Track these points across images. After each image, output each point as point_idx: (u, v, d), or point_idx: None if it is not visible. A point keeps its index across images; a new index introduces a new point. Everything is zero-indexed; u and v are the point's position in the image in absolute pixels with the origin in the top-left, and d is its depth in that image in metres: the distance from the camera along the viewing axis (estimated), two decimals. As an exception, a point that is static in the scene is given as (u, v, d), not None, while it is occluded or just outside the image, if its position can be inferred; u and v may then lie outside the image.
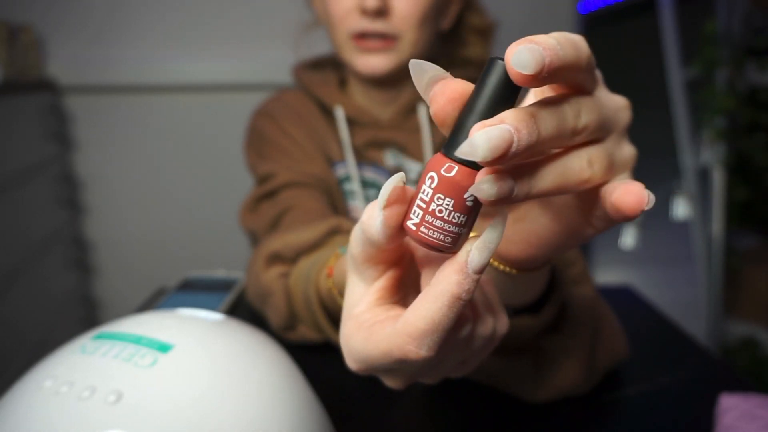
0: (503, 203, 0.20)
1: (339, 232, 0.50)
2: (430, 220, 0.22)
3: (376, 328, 0.25)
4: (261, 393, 0.29)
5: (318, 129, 0.69)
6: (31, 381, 0.28)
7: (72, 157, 1.46)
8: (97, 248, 1.53)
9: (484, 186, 0.20)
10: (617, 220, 0.24)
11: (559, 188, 0.22)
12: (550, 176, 0.22)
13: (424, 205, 0.22)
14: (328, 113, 0.70)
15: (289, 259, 0.50)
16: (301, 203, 0.61)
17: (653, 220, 1.67)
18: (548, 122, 0.20)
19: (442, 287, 0.22)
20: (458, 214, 0.21)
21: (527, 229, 0.29)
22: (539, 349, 0.43)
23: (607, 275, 1.76)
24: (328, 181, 0.66)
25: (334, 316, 0.47)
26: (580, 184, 0.23)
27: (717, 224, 1.55)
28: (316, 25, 0.75)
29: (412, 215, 0.22)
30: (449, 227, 0.21)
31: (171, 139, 1.48)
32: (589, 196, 0.25)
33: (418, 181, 0.23)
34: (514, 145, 0.19)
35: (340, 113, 0.68)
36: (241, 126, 0.76)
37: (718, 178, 1.53)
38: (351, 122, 0.69)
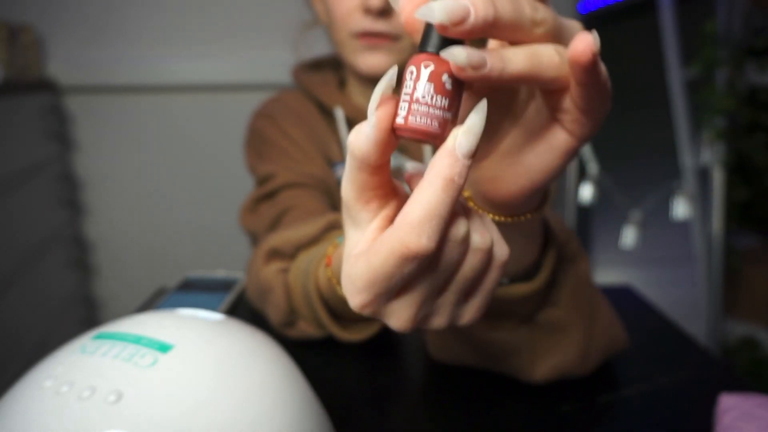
0: (479, 76, 0.22)
1: (337, 227, 0.50)
2: (416, 108, 0.23)
3: (375, 241, 0.25)
4: (261, 393, 0.29)
5: (317, 130, 0.70)
6: (32, 381, 0.28)
7: (72, 157, 1.47)
8: (97, 248, 1.53)
9: (455, 51, 0.22)
10: (578, 80, 0.24)
11: (533, 71, 0.23)
12: (521, 56, 0.23)
13: (408, 97, 0.23)
14: (327, 114, 0.70)
15: (288, 254, 0.50)
16: (301, 203, 0.61)
17: (653, 220, 1.67)
18: (505, 5, 0.22)
19: (435, 171, 0.23)
20: (440, 96, 0.23)
21: (511, 160, 0.29)
22: (535, 324, 0.43)
23: (607, 275, 1.76)
24: (328, 182, 0.66)
25: (333, 310, 0.47)
26: (551, 68, 0.23)
27: (717, 224, 1.55)
28: (316, 25, 0.75)
29: (399, 112, 0.23)
30: (434, 111, 0.23)
31: (171, 139, 1.49)
32: (552, 95, 0.26)
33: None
34: (471, 16, 0.21)
35: (339, 114, 0.68)
36: (241, 126, 0.76)
37: (717, 178, 1.53)
38: (350, 122, 0.69)
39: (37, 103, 1.28)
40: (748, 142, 1.49)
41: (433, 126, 0.23)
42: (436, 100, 0.23)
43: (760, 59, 1.43)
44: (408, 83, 0.23)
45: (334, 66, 0.75)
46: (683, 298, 1.71)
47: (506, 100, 0.29)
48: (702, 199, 1.63)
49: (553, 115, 0.27)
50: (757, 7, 1.43)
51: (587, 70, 0.23)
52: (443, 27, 0.21)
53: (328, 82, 0.71)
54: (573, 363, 0.44)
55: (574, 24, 0.26)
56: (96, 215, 1.51)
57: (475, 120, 0.23)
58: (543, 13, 0.23)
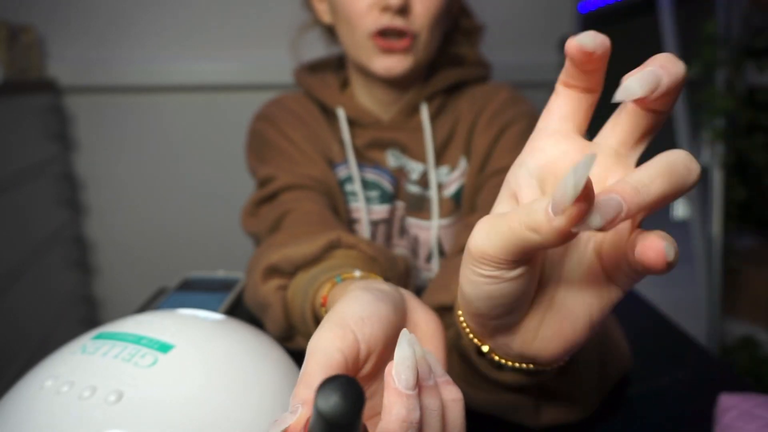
0: (613, 223, 0.22)
1: (339, 246, 0.49)
2: None
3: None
4: (261, 393, 0.29)
5: (319, 131, 0.70)
6: (33, 380, 0.28)
7: (73, 157, 1.47)
8: (97, 248, 1.53)
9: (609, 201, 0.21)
10: (643, 274, 0.24)
11: (670, 190, 0.23)
12: (657, 181, 0.23)
13: None
14: (329, 115, 0.70)
15: (287, 272, 0.50)
16: (302, 206, 0.61)
17: (653, 220, 1.67)
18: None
19: (387, 411, 0.24)
20: None
21: (556, 316, 0.29)
22: (543, 389, 0.41)
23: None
24: (329, 183, 0.66)
25: None
26: (687, 182, 0.24)
27: (716, 224, 1.55)
28: (314, 26, 0.75)
29: None
30: None
31: (171, 139, 1.49)
32: (609, 252, 0.26)
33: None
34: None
35: (341, 114, 0.68)
36: (242, 126, 0.76)
37: (717, 179, 1.53)
38: (352, 123, 0.69)
39: (37, 104, 1.28)
40: (747, 142, 1.49)
41: None
42: None
43: (759, 60, 1.43)
44: None
45: (335, 67, 0.75)
46: (683, 298, 1.71)
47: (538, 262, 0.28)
48: (701, 200, 1.63)
49: (605, 273, 0.27)
50: (756, 6, 1.43)
51: (657, 273, 0.23)
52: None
53: (329, 83, 0.71)
54: (581, 412, 0.42)
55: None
56: (96, 215, 1.51)
57: (403, 353, 0.24)
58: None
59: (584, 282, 0.28)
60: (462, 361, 0.41)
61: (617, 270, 0.26)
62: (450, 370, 0.41)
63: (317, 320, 0.45)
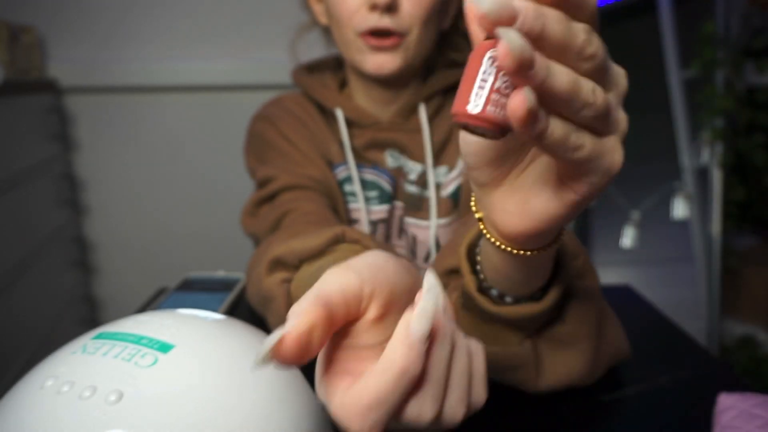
0: (523, 78, 0.21)
1: (343, 240, 0.50)
2: (495, 98, 0.22)
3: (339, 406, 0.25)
4: (261, 393, 0.29)
5: (317, 132, 0.70)
6: (33, 380, 0.28)
7: (73, 157, 1.47)
8: (97, 248, 1.53)
9: (512, 35, 0.20)
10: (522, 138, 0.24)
11: (570, 95, 0.22)
12: (564, 76, 0.22)
13: (487, 85, 0.22)
14: (327, 115, 0.71)
15: (291, 265, 0.50)
16: (301, 206, 0.61)
17: (653, 220, 1.67)
18: (556, 24, 0.21)
19: (390, 359, 0.23)
20: (511, 88, 0.22)
21: (520, 197, 0.29)
22: (541, 339, 0.43)
23: (607, 275, 1.76)
24: (328, 184, 0.66)
25: None
26: (585, 104, 0.23)
27: (716, 224, 1.55)
28: (313, 26, 0.75)
29: (472, 99, 0.22)
30: (504, 102, 0.22)
31: (171, 139, 1.49)
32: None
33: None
34: (520, 18, 0.20)
35: (340, 115, 0.68)
36: (241, 126, 0.76)
37: (716, 179, 1.53)
38: (351, 124, 0.69)
39: (38, 104, 1.29)
40: (746, 142, 1.49)
41: (504, 117, 0.22)
42: (509, 91, 0.22)
43: (759, 60, 1.43)
44: (488, 69, 0.22)
45: (333, 67, 0.75)
46: (683, 298, 1.71)
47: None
48: (701, 200, 1.63)
49: (558, 171, 0.27)
50: (754, 5, 1.43)
51: (523, 129, 0.22)
52: (485, 21, 0.20)
53: (327, 84, 0.71)
54: (578, 376, 0.43)
55: (620, 72, 0.25)
56: (96, 215, 1.51)
57: (426, 304, 0.23)
58: (595, 47, 0.23)
59: (543, 173, 0.28)
60: (471, 317, 0.42)
61: (565, 170, 0.26)
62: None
63: None
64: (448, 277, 0.47)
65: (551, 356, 0.43)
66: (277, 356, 0.22)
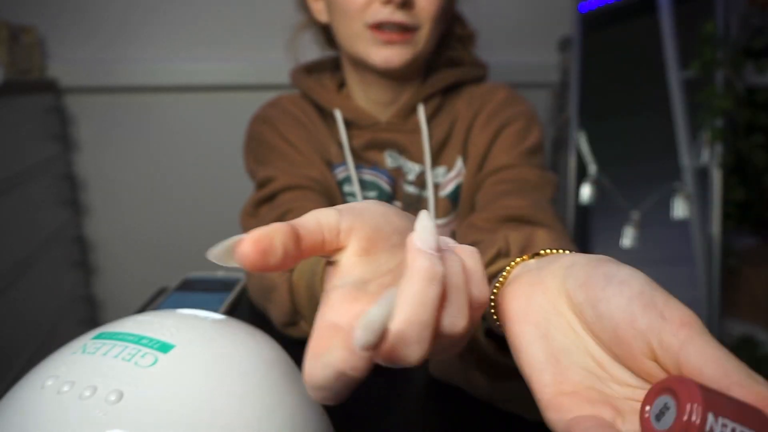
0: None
1: None
2: None
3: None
4: (261, 393, 0.29)
5: (316, 132, 0.70)
6: (33, 380, 0.28)
7: (73, 157, 1.47)
8: (98, 248, 1.53)
9: None
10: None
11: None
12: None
13: None
14: (326, 116, 0.71)
15: None
16: (301, 206, 0.61)
17: (653, 220, 1.67)
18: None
19: (330, 359, 0.22)
20: None
21: None
22: None
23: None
24: (327, 184, 0.66)
25: None
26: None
27: (716, 225, 1.55)
28: (309, 26, 0.75)
29: None
30: None
31: (171, 139, 1.49)
32: None
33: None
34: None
35: (338, 116, 0.68)
36: (241, 126, 0.76)
37: (716, 179, 1.53)
38: (350, 124, 0.69)
39: (38, 104, 1.29)
40: (746, 142, 1.49)
41: None
42: None
43: (759, 60, 1.43)
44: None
45: (332, 68, 0.75)
46: (683, 297, 1.70)
47: None
48: (701, 200, 1.63)
49: None
50: (755, 7, 1.43)
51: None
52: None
53: (326, 85, 0.71)
54: None
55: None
56: (96, 215, 1.51)
57: (375, 315, 0.22)
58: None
59: None
60: (473, 349, 0.41)
61: None
62: (459, 360, 0.43)
63: None
64: None
65: None
66: (237, 253, 0.23)
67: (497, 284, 0.32)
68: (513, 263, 0.33)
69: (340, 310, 0.25)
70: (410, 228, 0.27)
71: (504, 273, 0.32)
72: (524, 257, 0.33)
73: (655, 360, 0.24)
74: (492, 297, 0.32)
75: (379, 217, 0.27)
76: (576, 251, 0.44)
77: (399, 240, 0.27)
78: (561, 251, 0.33)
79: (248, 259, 0.23)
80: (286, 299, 0.50)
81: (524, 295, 0.29)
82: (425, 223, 0.24)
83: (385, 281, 0.26)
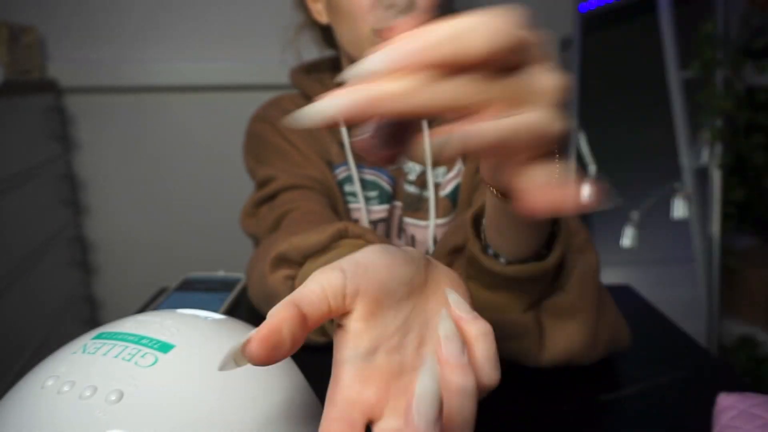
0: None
1: (346, 236, 0.50)
2: None
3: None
4: (261, 393, 0.29)
5: (317, 132, 0.70)
6: (34, 380, 0.28)
7: (73, 157, 1.47)
8: (98, 248, 1.53)
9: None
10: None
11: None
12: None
13: None
14: None
15: (295, 262, 0.50)
16: (301, 205, 0.61)
17: (653, 220, 1.67)
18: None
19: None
20: None
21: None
22: (543, 308, 0.44)
23: (606, 275, 1.76)
24: (328, 183, 0.66)
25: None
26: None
27: (715, 225, 1.55)
28: (311, 25, 0.75)
29: None
30: None
31: (171, 139, 1.49)
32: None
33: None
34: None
35: None
36: (241, 126, 0.76)
37: (716, 179, 1.53)
38: (351, 125, 0.69)
39: (38, 104, 1.29)
40: (746, 142, 1.49)
41: None
42: None
43: (758, 60, 1.43)
44: None
45: (331, 68, 0.75)
46: (683, 298, 1.71)
47: None
48: (701, 200, 1.63)
49: None
50: (755, 7, 1.43)
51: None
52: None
53: (326, 85, 0.71)
54: (580, 348, 0.44)
55: (530, 39, 0.25)
56: (97, 215, 1.51)
57: (423, 385, 0.21)
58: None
59: None
60: (476, 286, 0.43)
61: None
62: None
63: None
64: (453, 256, 0.48)
65: (553, 327, 0.44)
66: (246, 354, 0.23)
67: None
68: None
69: (352, 393, 0.25)
70: (415, 277, 0.27)
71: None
72: None
73: None
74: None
75: (383, 271, 0.27)
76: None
77: (404, 292, 0.27)
78: None
79: (259, 359, 0.23)
80: None
81: None
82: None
83: (392, 344, 0.26)
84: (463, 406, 0.24)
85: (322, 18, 0.69)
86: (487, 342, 0.27)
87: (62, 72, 1.40)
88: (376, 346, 0.26)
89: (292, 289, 0.50)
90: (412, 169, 0.69)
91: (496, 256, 0.40)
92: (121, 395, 0.26)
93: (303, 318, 0.24)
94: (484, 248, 0.41)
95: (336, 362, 0.26)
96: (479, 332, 0.27)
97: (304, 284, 0.26)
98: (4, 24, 1.19)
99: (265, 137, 0.70)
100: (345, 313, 0.26)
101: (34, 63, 1.32)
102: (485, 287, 0.42)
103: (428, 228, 0.68)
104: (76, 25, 1.40)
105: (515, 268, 0.40)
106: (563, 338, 0.44)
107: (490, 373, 0.26)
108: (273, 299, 0.52)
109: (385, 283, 0.26)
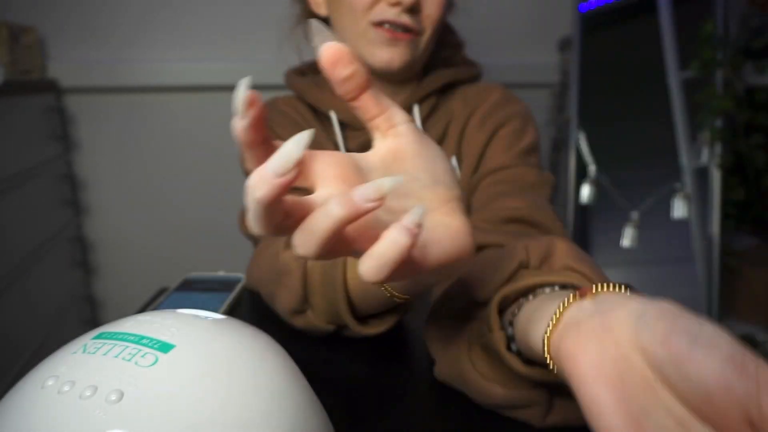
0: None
1: None
2: None
3: None
4: (261, 393, 0.29)
5: None
6: (34, 380, 0.28)
7: (73, 157, 1.47)
8: (98, 248, 1.53)
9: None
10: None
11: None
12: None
13: None
14: (321, 118, 0.71)
15: None
16: None
17: (653, 220, 1.67)
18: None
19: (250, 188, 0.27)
20: None
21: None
22: (556, 384, 0.41)
23: (606, 275, 1.76)
24: None
25: (353, 303, 0.48)
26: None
27: (715, 225, 1.56)
28: (305, 19, 0.74)
29: None
30: None
31: (171, 139, 1.49)
32: None
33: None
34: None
35: (334, 117, 0.68)
36: (241, 127, 0.76)
37: (715, 179, 1.53)
38: (345, 126, 0.69)
39: (38, 104, 1.29)
40: (745, 142, 1.49)
41: None
42: None
43: (758, 60, 1.43)
44: None
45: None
46: (683, 298, 1.71)
47: None
48: (700, 200, 1.63)
49: None
50: (753, 5, 1.43)
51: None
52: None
53: (321, 86, 0.71)
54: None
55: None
56: (97, 215, 1.51)
57: (289, 147, 0.27)
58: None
59: None
60: (488, 357, 0.41)
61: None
62: (471, 367, 0.42)
63: (347, 290, 0.47)
64: (473, 310, 0.44)
65: (564, 398, 0.42)
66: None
67: (549, 325, 0.30)
68: (566, 303, 0.30)
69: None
70: None
71: (556, 314, 0.30)
72: (574, 296, 0.31)
73: (751, 426, 0.22)
74: (545, 337, 0.30)
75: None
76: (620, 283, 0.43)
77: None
78: (614, 288, 0.30)
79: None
80: (298, 285, 0.50)
81: (594, 349, 0.27)
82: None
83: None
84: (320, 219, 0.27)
85: (321, 10, 0.69)
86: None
87: (62, 72, 1.40)
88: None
89: (303, 267, 0.50)
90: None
91: (518, 353, 0.38)
92: (121, 395, 0.26)
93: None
94: (508, 341, 0.38)
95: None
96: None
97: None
98: (4, 24, 1.19)
99: None
100: None
101: (34, 63, 1.32)
102: (499, 363, 0.40)
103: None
104: (76, 25, 1.40)
105: (539, 372, 0.37)
106: (571, 411, 0.41)
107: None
108: (284, 276, 0.51)
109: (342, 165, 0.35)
